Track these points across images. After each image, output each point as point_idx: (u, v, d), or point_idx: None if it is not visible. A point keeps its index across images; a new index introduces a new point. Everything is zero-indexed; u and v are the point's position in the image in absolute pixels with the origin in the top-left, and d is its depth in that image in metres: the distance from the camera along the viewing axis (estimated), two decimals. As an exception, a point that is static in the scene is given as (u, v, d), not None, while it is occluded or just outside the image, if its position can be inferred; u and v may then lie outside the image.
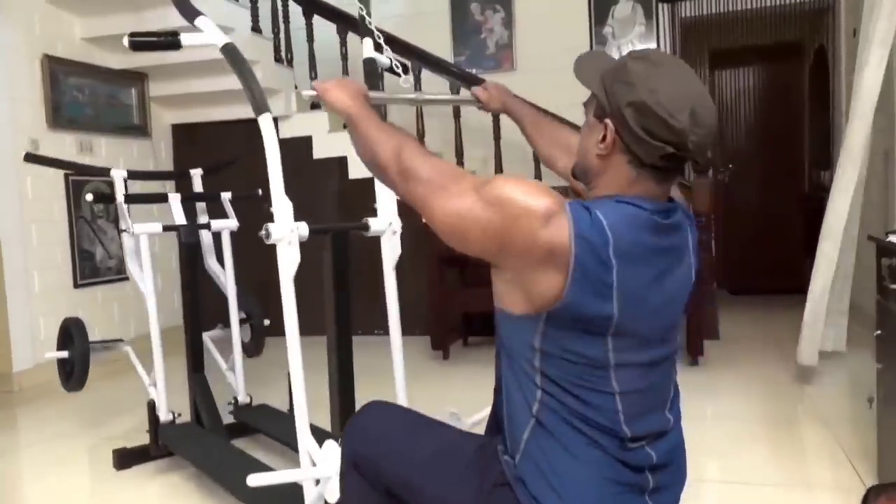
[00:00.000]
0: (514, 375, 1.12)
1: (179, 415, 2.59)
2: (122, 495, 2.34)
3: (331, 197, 4.71)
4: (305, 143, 4.69)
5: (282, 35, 4.69)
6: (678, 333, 1.21)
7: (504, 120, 4.75)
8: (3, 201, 3.69)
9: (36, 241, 3.87)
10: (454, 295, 4.07)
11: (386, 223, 1.90)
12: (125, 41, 1.70)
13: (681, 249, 1.14)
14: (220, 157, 4.60)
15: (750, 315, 4.97)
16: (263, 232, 1.62)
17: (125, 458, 2.50)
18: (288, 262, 1.63)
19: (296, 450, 1.72)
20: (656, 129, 1.04)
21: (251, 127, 4.77)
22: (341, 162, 4.59)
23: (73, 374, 2.57)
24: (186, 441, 2.45)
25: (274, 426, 2.58)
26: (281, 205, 1.65)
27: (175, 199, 2.66)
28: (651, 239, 1.08)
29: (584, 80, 1.14)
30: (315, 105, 4.62)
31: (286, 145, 4.57)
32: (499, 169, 4.46)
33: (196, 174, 2.92)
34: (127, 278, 4.31)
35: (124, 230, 2.50)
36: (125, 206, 2.52)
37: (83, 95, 4.19)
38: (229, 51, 1.75)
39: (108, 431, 2.99)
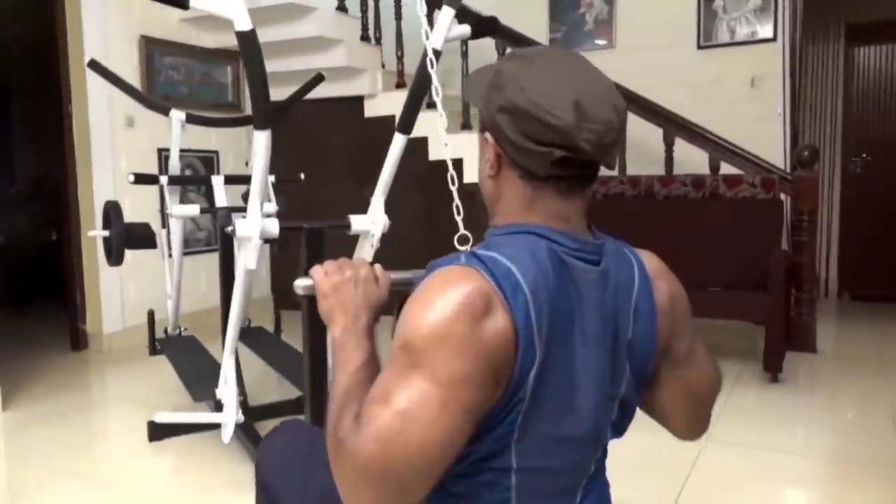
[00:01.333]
0: None
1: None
2: (147, 470, 2.44)
3: (410, 178, 4.66)
4: (389, 122, 4.65)
5: (370, 13, 4.66)
6: (608, 410, 0.98)
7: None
8: (99, 174, 3.95)
9: (129, 212, 4.11)
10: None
11: (370, 222, 1.81)
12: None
13: (606, 304, 0.92)
14: (312, 134, 4.72)
15: (868, 327, 4.39)
16: (230, 228, 1.58)
17: (157, 431, 2.60)
18: (250, 258, 1.58)
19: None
20: (536, 132, 0.87)
21: (338, 105, 4.83)
22: (422, 143, 4.51)
23: (111, 251, 2.78)
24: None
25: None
26: (254, 205, 1.60)
27: (218, 182, 2.70)
28: (563, 284, 0.88)
29: (470, 95, 0.98)
30: (400, 84, 4.55)
31: (370, 125, 4.64)
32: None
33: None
34: (216, 250, 4.51)
35: (166, 211, 2.58)
36: (167, 188, 2.59)
37: (178, 74, 4.38)
38: (246, 38, 1.68)
39: (180, 399, 3.01)
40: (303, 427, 1.27)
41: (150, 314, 3.03)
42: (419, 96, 1.66)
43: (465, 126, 4.41)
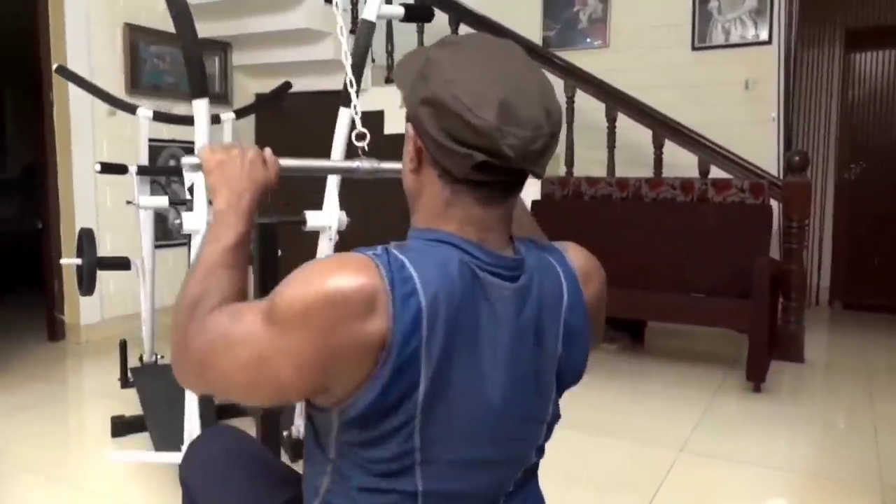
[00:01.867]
0: (308, 441, 0.93)
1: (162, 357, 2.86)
2: (112, 467, 2.38)
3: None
4: (377, 117, 4.57)
5: (359, 6, 4.59)
6: (534, 433, 0.93)
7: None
8: (79, 163, 3.89)
9: (109, 202, 4.06)
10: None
11: (327, 218, 1.74)
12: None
13: (524, 323, 0.87)
14: (301, 128, 4.66)
15: (859, 337, 4.33)
16: (178, 220, 1.52)
17: (120, 428, 2.54)
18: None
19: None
20: (456, 130, 0.80)
21: (326, 98, 4.74)
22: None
23: (82, 280, 2.66)
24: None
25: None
26: (200, 196, 1.54)
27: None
28: (473, 300, 0.82)
29: (398, 81, 0.91)
30: (389, 79, 4.49)
31: (360, 119, 4.56)
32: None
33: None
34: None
35: (131, 202, 2.51)
36: (136, 178, 2.53)
37: (164, 63, 4.32)
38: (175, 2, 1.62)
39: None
40: (225, 432, 1.21)
41: (122, 344, 2.80)
42: (356, 70, 1.62)
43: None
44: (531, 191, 4.01)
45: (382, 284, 0.77)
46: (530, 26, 4.84)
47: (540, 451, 0.96)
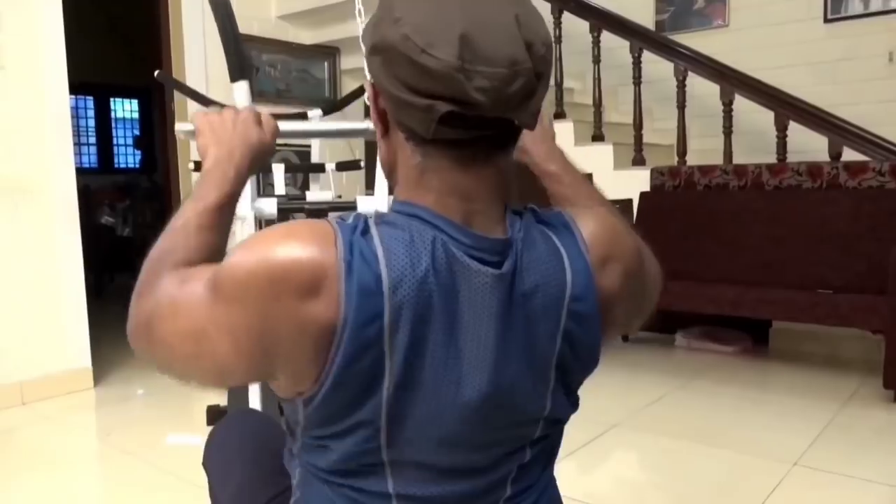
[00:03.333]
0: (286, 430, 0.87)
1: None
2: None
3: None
4: None
5: None
6: (525, 433, 0.80)
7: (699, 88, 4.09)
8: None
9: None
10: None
11: (380, 202, 1.69)
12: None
13: (510, 315, 0.73)
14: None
15: None
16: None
17: (215, 416, 2.63)
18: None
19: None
20: (412, 77, 0.67)
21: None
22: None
23: None
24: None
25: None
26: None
27: (279, 169, 2.69)
28: (448, 286, 0.70)
29: (363, 35, 0.81)
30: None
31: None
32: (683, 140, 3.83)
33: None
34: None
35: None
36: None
37: (275, 71, 4.50)
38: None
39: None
40: (248, 418, 1.19)
41: None
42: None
43: (559, 115, 4.18)
44: (638, 182, 3.78)
45: (335, 261, 0.67)
46: (642, 10, 4.59)
47: (537, 445, 0.83)
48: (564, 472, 0.98)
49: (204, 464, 1.14)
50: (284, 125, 1.02)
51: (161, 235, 0.83)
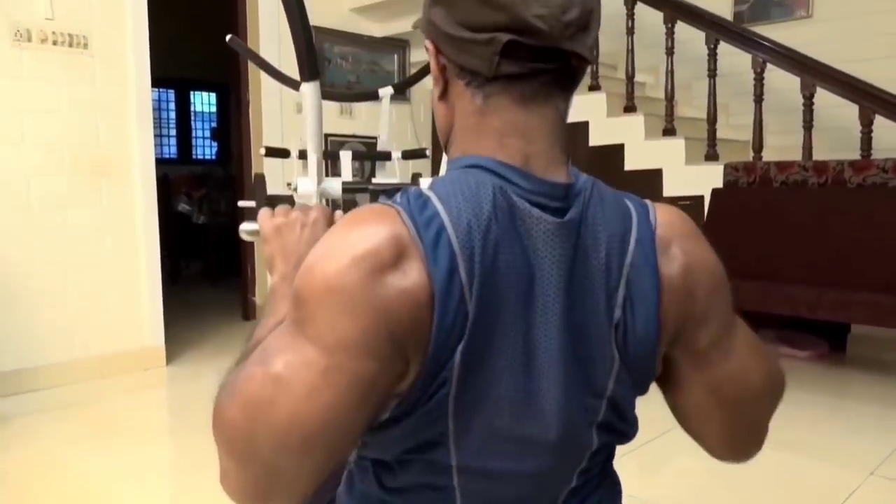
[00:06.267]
0: None
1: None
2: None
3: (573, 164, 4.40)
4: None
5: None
6: (589, 408, 0.75)
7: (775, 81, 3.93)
8: (270, 163, 4.24)
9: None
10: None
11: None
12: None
13: (573, 268, 0.70)
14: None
15: None
16: (294, 186, 1.57)
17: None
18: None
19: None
20: (472, 14, 0.69)
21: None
22: (583, 127, 4.27)
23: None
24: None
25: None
26: (312, 162, 1.57)
27: (346, 157, 2.73)
28: (510, 233, 0.68)
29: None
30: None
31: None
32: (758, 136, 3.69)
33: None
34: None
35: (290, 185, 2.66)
36: (296, 163, 2.67)
37: (347, 63, 4.57)
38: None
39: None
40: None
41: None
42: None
43: (629, 109, 4.10)
44: (711, 179, 3.67)
45: (407, 231, 0.65)
46: (720, 2, 4.43)
47: (606, 431, 0.78)
48: (626, 469, 0.95)
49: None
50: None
51: (239, 360, 0.75)
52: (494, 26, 0.68)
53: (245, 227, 1.00)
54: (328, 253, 0.66)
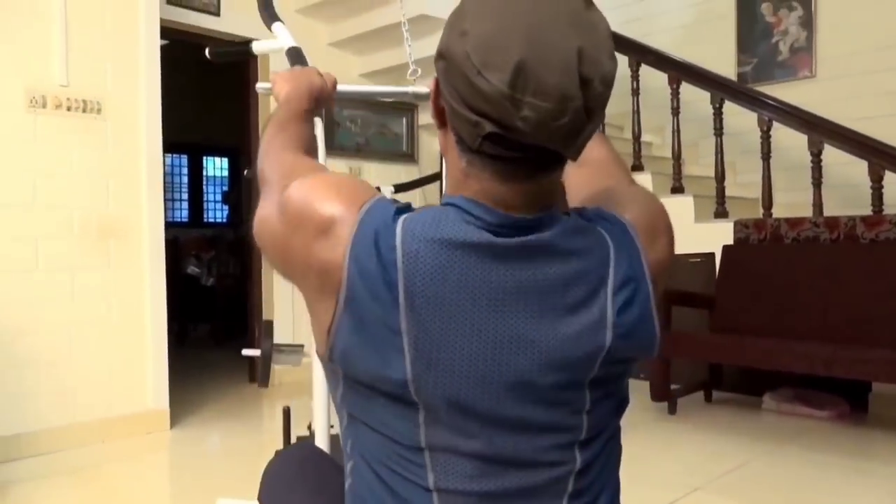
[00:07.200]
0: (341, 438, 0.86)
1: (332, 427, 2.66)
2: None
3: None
4: None
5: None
6: (568, 399, 0.78)
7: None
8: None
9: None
10: (693, 340, 3.47)
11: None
12: (207, 53, 1.79)
13: (552, 289, 0.74)
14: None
15: None
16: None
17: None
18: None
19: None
20: (466, 93, 0.69)
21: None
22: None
23: (258, 371, 2.80)
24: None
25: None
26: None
27: (386, 191, 2.73)
28: (477, 268, 0.72)
29: None
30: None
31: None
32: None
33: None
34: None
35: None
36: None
37: (356, 126, 4.65)
38: (292, 54, 1.72)
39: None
40: (303, 449, 1.17)
41: (286, 412, 2.60)
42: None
43: (636, 168, 4.11)
44: (721, 236, 3.65)
45: (353, 218, 0.74)
46: (724, 62, 4.52)
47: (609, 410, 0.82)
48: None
49: (260, 498, 1.12)
50: (341, 87, 1.26)
51: (264, 136, 1.02)
52: (481, 112, 0.69)
53: (261, 84, 1.33)
54: (310, 184, 0.80)
